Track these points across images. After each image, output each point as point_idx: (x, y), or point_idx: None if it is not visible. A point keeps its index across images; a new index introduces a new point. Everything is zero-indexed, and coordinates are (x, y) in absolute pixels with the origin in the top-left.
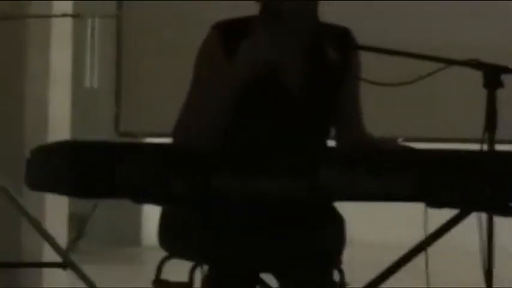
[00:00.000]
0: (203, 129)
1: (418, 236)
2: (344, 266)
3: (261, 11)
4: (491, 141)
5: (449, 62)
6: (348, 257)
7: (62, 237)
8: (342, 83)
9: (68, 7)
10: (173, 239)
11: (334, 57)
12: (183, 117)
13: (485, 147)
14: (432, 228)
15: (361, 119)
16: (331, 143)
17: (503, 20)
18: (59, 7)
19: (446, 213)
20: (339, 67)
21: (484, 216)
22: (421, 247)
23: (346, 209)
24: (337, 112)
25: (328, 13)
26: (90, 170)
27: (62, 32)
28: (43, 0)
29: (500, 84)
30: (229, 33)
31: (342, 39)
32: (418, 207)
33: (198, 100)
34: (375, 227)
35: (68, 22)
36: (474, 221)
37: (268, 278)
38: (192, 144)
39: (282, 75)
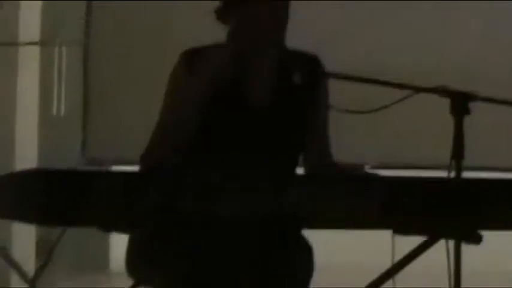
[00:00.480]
0: (168, 154)
1: (386, 262)
2: None
3: (228, 37)
4: (459, 169)
5: (417, 89)
6: (316, 282)
7: (29, 263)
8: (308, 108)
9: (35, 34)
10: (140, 267)
11: (300, 82)
12: (151, 142)
13: (452, 174)
14: (400, 253)
15: (328, 146)
16: (299, 169)
17: (472, 46)
18: (26, 34)
19: (414, 240)
20: (305, 92)
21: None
22: (389, 274)
23: (314, 233)
24: (304, 137)
25: (299, 38)
26: (57, 198)
27: (29, 59)
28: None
29: (467, 112)
30: (198, 60)
31: (310, 66)
32: (385, 233)
33: (165, 126)
34: (342, 252)
35: (35, 49)
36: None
37: None
38: (156, 170)
39: (247, 99)
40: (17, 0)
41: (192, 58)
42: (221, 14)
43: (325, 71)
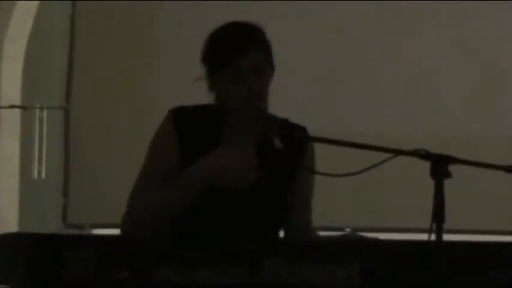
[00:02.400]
0: (147, 219)
1: None
2: None
3: (217, 102)
4: (439, 231)
5: (397, 152)
6: None
7: None
8: (293, 180)
9: (16, 96)
10: None
11: (285, 153)
12: (131, 200)
13: (433, 237)
14: None
15: (309, 217)
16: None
17: (451, 110)
18: (7, 96)
19: None
20: (290, 164)
21: None
22: None
23: None
24: (287, 209)
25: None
26: (38, 261)
27: (10, 123)
28: None
29: (447, 175)
30: (185, 120)
31: (297, 136)
32: None
33: (145, 185)
34: None
35: (16, 112)
36: None
37: None
38: (136, 234)
39: (233, 177)
40: None
41: (182, 119)
42: (208, 84)
43: (310, 141)
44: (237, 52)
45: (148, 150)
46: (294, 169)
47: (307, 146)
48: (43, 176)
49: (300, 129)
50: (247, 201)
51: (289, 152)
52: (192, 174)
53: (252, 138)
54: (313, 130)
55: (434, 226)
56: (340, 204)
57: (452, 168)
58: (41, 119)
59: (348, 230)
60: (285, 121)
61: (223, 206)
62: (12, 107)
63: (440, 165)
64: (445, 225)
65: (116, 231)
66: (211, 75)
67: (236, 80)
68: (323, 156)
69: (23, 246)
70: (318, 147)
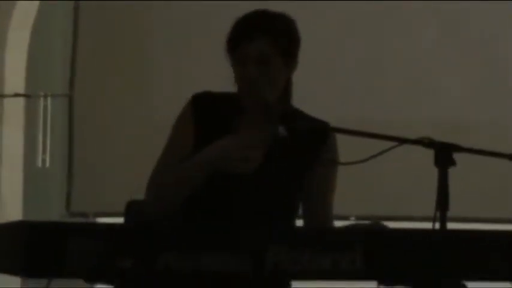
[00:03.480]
0: (159, 196)
1: None
2: None
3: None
4: (443, 220)
5: (401, 141)
6: None
7: None
8: (308, 170)
9: (20, 85)
10: None
11: (299, 143)
12: (151, 176)
13: (437, 225)
14: None
15: (329, 210)
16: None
17: (457, 98)
18: (10, 85)
19: None
20: (304, 154)
21: None
22: None
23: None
24: (304, 200)
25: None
26: (41, 250)
27: (13, 111)
28: None
29: (452, 163)
30: (204, 106)
31: (318, 131)
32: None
33: (162, 167)
34: None
35: (20, 101)
36: None
37: None
38: (144, 220)
39: (233, 163)
40: None
41: (203, 105)
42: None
43: (332, 138)
44: (242, 39)
45: (170, 132)
46: (309, 159)
47: (326, 137)
48: (47, 164)
49: (319, 123)
50: (250, 188)
51: (304, 142)
52: (197, 158)
53: (262, 126)
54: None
55: (438, 214)
56: (344, 193)
57: (457, 156)
58: (45, 107)
59: (352, 218)
60: (302, 115)
61: (227, 192)
62: (17, 95)
63: (444, 154)
64: (449, 214)
65: (120, 220)
66: (230, 60)
67: (239, 66)
68: None
69: (27, 234)
70: None
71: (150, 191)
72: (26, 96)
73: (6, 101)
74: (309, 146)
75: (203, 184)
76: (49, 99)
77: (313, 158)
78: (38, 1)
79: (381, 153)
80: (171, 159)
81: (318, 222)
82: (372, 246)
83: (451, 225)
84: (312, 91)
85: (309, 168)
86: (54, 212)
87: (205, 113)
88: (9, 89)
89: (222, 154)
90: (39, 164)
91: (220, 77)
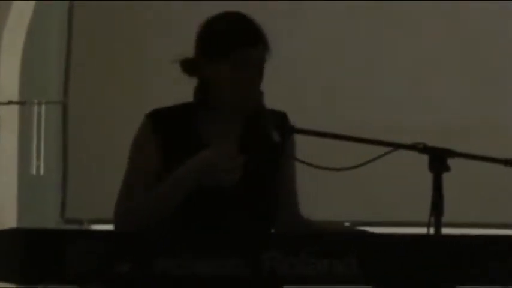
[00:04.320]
0: (139, 215)
1: None
2: None
3: (197, 93)
4: (438, 225)
5: (395, 146)
6: None
7: None
8: (280, 165)
9: (14, 92)
10: None
11: (274, 140)
12: (119, 200)
13: (432, 230)
14: None
15: (296, 200)
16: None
17: (450, 103)
18: (4, 92)
19: None
20: (277, 150)
21: None
22: None
23: None
24: (278, 197)
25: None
26: (36, 257)
27: (7, 118)
28: None
29: (446, 168)
30: (163, 122)
31: (280, 122)
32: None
33: (129, 185)
34: None
35: (14, 108)
36: None
37: None
38: (134, 229)
39: (218, 175)
40: None
41: (160, 121)
42: (190, 68)
43: (293, 127)
44: (243, 42)
45: (130, 155)
46: (280, 160)
47: (291, 135)
48: (41, 171)
49: (284, 118)
50: (234, 198)
51: (272, 142)
52: (181, 173)
53: (235, 132)
54: (313, 125)
55: (432, 220)
56: (339, 198)
57: (451, 161)
58: (39, 114)
59: (346, 224)
60: (271, 111)
61: (212, 204)
62: (10, 103)
63: (438, 159)
64: (444, 219)
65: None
66: (207, 60)
67: (234, 69)
68: (322, 150)
69: (23, 241)
70: (317, 141)
71: (122, 216)
72: (19, 103)
73: (0, 107)
74: (277, 146)
75: (185, 199)
76: (43, 106)
77: (282, 158)
78: (32, 5)
79: (375, 159)
80: (136, 182)
81: (289, 214)
82: (368, 251)
83: (445, 230)
84: (309, 95)
85: (279, 166)
86: (49, 219)
87: (167, 129)
88: (3, 94)
89: (208, 167)
90: (34, 171)
91: None
